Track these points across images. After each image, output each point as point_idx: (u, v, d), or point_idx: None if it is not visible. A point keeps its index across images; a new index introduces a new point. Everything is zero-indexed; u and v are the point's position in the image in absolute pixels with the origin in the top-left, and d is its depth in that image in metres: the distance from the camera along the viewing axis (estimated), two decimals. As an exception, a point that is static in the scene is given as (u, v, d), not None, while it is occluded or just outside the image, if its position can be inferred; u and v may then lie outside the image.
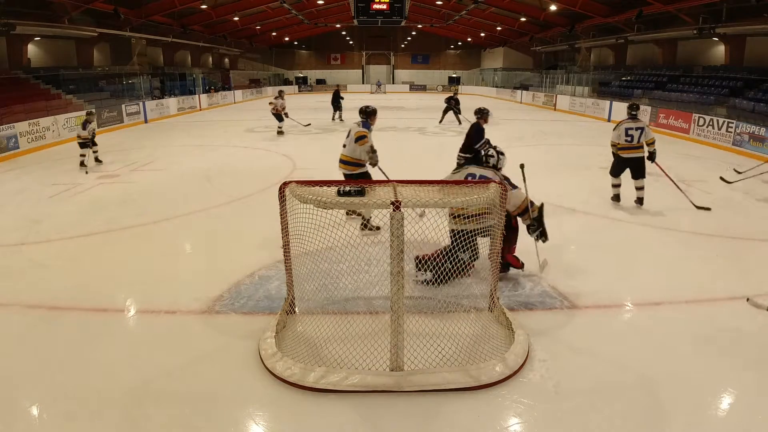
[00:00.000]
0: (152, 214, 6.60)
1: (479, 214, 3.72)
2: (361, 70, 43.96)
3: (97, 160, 10.00)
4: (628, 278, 4.58)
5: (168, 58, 27.31)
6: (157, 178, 8.92)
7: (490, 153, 4.49)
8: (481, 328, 3.58)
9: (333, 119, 18.14)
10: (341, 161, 5.79)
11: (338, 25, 36.66)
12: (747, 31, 16.14)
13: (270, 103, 14.15)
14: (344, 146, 5.75)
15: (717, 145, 12.39)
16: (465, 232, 3.78)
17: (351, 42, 43.29)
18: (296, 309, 3.80)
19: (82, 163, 9.64)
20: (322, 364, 3.13)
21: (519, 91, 29.12)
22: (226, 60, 36.46)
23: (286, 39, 40.27)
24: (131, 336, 3.69)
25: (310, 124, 15.65)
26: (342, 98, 18.58)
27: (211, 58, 33.78)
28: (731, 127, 12.01)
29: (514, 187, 4.25)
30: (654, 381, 3.05)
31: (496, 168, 4.38)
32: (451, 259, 3.75)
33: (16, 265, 4.98)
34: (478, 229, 3.72)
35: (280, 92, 14.58)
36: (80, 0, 16.48)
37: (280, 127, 14.20)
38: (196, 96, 24.07)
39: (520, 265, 4.51)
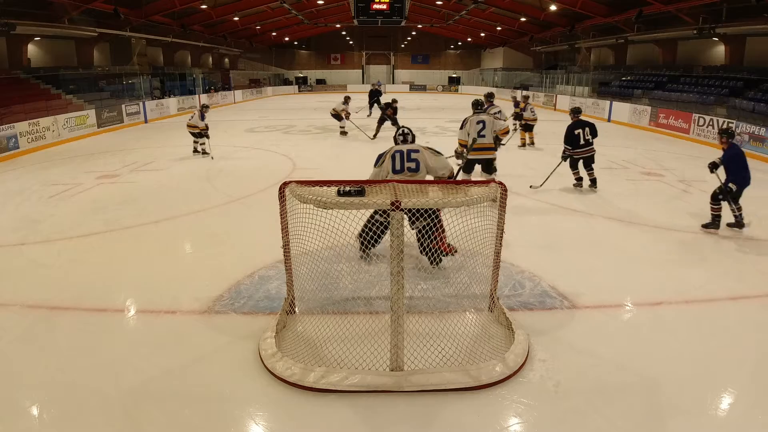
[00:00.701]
0: (152, 214, 6.60)
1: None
2: (361, 70, 43.94)
3: (204, 152, 10.80)
4: (628, 278, 4.58)
5: (168, 58, 27.30)
6: (157, 178, 8.92)
7: (405, 132, 4.86)
8: (481, 328, 3.58)
9: (369, 115, 18.39)
10: (485, 149, 6.76)
11: (338, 25, 36.63)
12: (747, 31, 16.12)
13: (342, 110, 13.43)
14: (483, 135, 6.64)
15: (717, 145, 12.26)
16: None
17: (351, 42, 43.27)
18: (296, 309, 3.80)
19: (204, 151, 10.69)
20: (322, 364, 3.13)
21: (519, 91, 29.10)
22: (226, 60, 36.46)
23: (286, 39, 40.25)
24: (131, 336, 3.69)
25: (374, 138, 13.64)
26: (381, 93, 19.15)
27: (211, 58, 33.77)
28: (731, 128, 12.00)
29: (438, 153, 4.63)
30: (654, 381, 3.06)
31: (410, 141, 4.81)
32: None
33: (16, 265, 4.98)
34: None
35: (347, 98, 13.73)
36: (80, 0, 16.47)
37: (342, 127, 13.84)
38: (196, 96, 24.07)
39: (453, 251, 4.49)
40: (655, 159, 10.54)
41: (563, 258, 5.07)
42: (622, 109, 17.54)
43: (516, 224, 6.00)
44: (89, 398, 2.92)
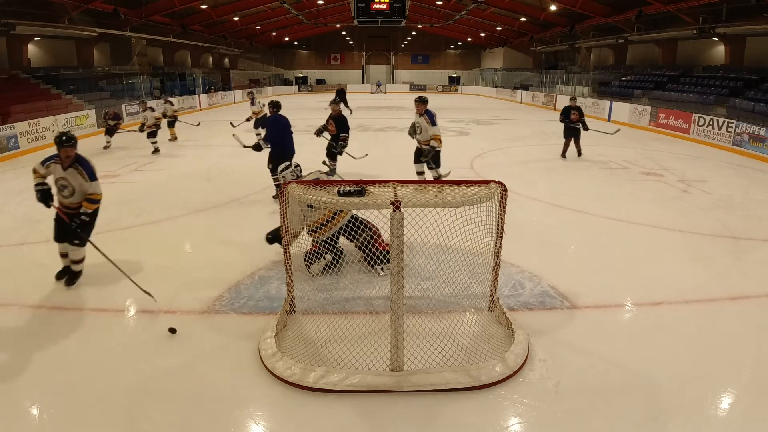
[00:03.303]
0: (152, 214, 6.60)
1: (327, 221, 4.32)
2: (361, 70, 43.95)
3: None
4: (628, 278, 4.58)
5: (168, 58, 27.31)
6: (157, 178, 8.92)
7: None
8: (481, 328, 3.58)
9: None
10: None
11: (338, 25, 36.65)
12: (747, 31, 16.13)
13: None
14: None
15: (717, 145, 12.38)
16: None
17: (351, 42, 43.28)
18: (296, 309, 3.80)
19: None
20: (322, 364, 3.13)
21: (519, 91, 29.11)
22: (226, 60, 36.46)
23: (286, 39, 40.27)
24: (131, 336, 3.69)
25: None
26: (344, 94, 20.64)
27: (211, 58, 33.77)
28: (731, 127, 12.01)
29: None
30: (654, 381, 3.05)
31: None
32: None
33: (16, 265, 4.98)
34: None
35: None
36: (80, 0, 16.47)
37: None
38: (196, 96, 24.08)
39: None
40: (655, 159, 10.54)
41: (563, 258, 5.08)
42: (622, 109, 17.54)
43: (516, 224, 6.01)
44: (89, 398, 2.92)
